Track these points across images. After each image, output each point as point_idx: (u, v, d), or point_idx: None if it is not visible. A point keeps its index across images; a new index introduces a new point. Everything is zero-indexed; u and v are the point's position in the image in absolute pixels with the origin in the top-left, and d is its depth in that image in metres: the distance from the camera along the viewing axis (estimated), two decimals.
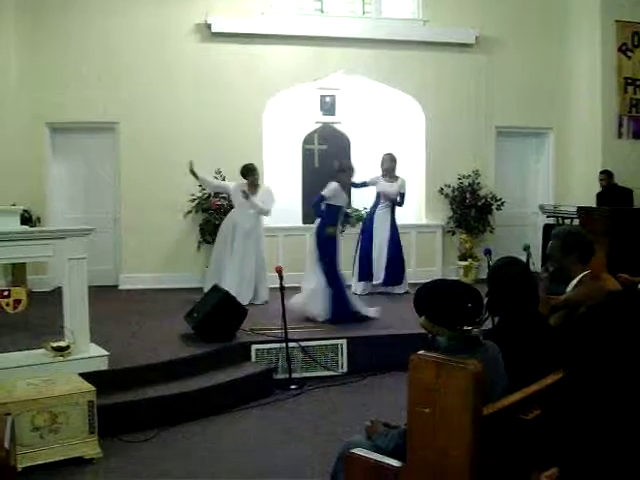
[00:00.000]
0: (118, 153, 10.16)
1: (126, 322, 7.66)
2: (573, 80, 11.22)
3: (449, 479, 2.75)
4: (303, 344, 6.96)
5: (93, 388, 4.99)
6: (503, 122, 11.11)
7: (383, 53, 10.60)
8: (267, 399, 6.31)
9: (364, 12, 11.08)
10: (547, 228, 9.80)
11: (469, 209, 10.69)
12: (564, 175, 11.41)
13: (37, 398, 4.78)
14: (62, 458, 4.81)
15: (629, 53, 10.73)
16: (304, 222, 10.18)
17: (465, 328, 3.07)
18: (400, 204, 9.65)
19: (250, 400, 6.20)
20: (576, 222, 9.33)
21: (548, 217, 10.71)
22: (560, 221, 10.18)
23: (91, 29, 9.85)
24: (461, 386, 2.72)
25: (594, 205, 10.05)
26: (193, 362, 6.29)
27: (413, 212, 10.89)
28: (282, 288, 6.93)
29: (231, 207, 9.19)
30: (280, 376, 6.73)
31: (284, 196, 9.65)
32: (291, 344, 6.82)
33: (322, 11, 10.92)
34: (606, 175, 10.26)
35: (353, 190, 10.15)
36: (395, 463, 3.03)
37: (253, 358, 6.82)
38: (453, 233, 10.88)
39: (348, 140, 11.05)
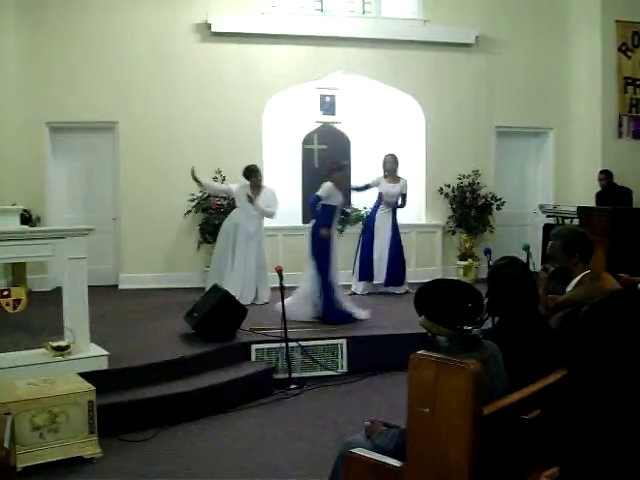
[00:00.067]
0: (118, 153, 10.15)
1: (126, 322, 7.67)
2: (573, 80, 11.22)
3: (449, 479, 2.75)
4: (303, 344, 6.96)
5: (93, 388, 4.99)
6: (503, 122, 11.12)
7: (383, 53, 10.60)
8: (267, 399, 6.31)
9: (364, 12, 11.07)
10: (547, 228, 9.80)
11: (469, 209, 10.69)
12: (564, 175, 11.42)
13: (37, 398, 4.78)
14: (62, 458, 4.81)
15: (629, 53, 10.74)
16: (304, 222, 10.18)
17: (465, 328, 3.07)
18: (402, 206, 9.66)
19: (250, 400, 6.21)
20: (576, 222, 9.33)
21: (548, 217, 10.71)
22: (560, 221, 10.18)
23: (91, 28, 9.84)
24: (461, 386, 2.72)
25: (594, 205, 10.06)
26: (193, 362, 6.30)
27: (413, 212, 10.89)
28: (282, 288, 6.94)
29: (231, 207, 9.19)
30: (280, 376, 6.73)
31: (284, 196, 9.64)
32: (291, 344, 6.82)
33: (322, 11, 10.91)
34: (605, 175, 10.26)
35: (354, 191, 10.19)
36: (395, 463, 3.03)
37: (253, 358, 6.82)
38: (453, 233, 10.88)
39: (348, 140, 11.05)
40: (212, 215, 9.82)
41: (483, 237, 10.84)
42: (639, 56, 10.78)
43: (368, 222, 9.72)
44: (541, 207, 10.88)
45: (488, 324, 3.95)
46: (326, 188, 7.81)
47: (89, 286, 5.82)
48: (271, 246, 9.52)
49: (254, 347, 6.84)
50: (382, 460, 3.09)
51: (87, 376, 5.24)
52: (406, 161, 10.42)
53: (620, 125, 10.78)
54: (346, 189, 8.48)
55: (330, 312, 7.63)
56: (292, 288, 7.74)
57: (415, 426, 2.89)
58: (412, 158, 10.91)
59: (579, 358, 2.04)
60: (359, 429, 3.63)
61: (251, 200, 8.65)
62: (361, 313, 7.82)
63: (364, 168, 10.91)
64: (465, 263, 10.69)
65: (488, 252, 7.00)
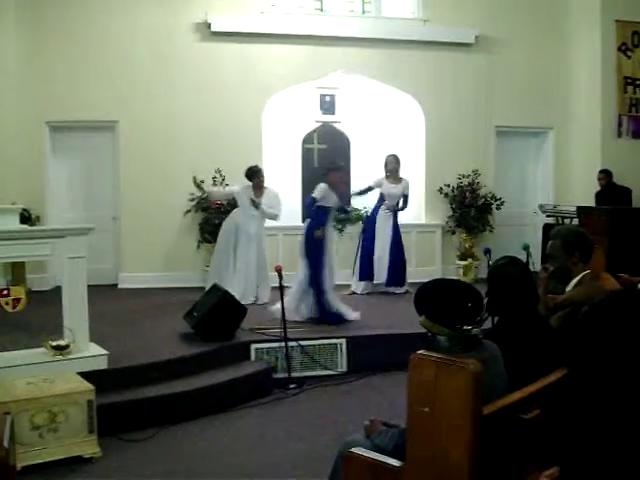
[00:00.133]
0: (118, 152, 10.15)
1: (125, 321, 7.66)
2: (573, 80, 11.22)
3: (449, 478, 2.75)
4: (302, 343, 6.96)
5: (92, 387, 4.99)
6: (503, 122, 11.12)
7: (383, 52, 10.60)
8: (266, 398, 6.31)
9: (364, 11, 11.07)
10: (547, 228, 9.79)
11: (469, 209, 10.69)
12: (563, 175, 11.42)
13: (36, 397, 4.78)
14: (61, 457, 4.80)
15: (629, 53, 10.74)
16: (303, 221, 10.15)
17: (465, 328, 3.07)
18: (402, 208, 9.66)
19: (249, 399, 6.20)
20: (575, 222, 9.33)
21: (548, 217, 10.71)
22: (560, 220, 10.18)
23: (91, 28, 9.84)
24: (461, 386, 2.72)
25: (593, 204, 10.06)
26: (192, 361, 6.29)
27: (413, 212, 10.89)
28: (282, 287, 6.94)
29: (231, 207, 9.18)
30: (279, 375, 6.73)
31: (284, 196, 9.62)
32: (290, 343, 6.82)
33: (322, 10, 10.91)
34: (605, 174, 10.26)
35: (356, 188, 10.17)
36: (394, 462, 3.03)
37: (252, 357, 6.82)
38: (453, 232, 10.88)
39: (347, 139, 11.06)
40: (212, 215, 9.82)
41: (483, 237, 10.83)
42: (639, 56, 10.78)
43: (369, 222, 9.72)
44: (541, 207, 10.88)
45: (488, 324, 3.94)
46: (321, 189, 7.79)
47: (89, 285, 5.82)
48: (271, 246, 9.52)
49: (254, 347, 6.84)
50: (382, 460, 3.09)
51: (87, 375, 5.24)
52: (406, 161, 10.40)
53: (620, 125, 10.78)
54: (343, 189, 8.44)
55: (323, 312, 7.62)
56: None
57: (415, 426, 2.89)
58: (412, 158, 10.91)
59: (579, 358, 2.04)
60: (359, 429, 3.63)
61: (255, 204, 8.65)
62: (351, 314, 7.80)
63: (364, 168, 10.92)
64: (465, 263, 10.69)
65: (488, 252, 7.00)
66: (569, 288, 4.04)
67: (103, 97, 9.88)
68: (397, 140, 11.01)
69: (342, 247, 9.97)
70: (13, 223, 5.89)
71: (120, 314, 8.03)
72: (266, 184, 8.99)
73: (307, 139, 10.92)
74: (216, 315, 6.81)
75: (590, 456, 1.93)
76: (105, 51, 9.90)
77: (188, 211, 10.04)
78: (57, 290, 6.14)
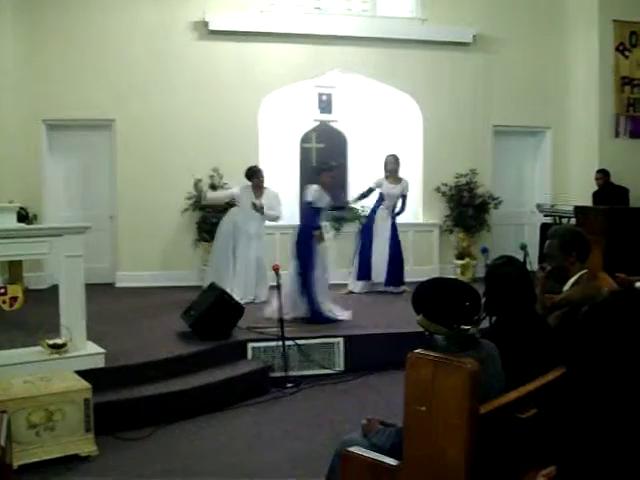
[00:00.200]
0: (115, 150, 10.14)
1: (122, 320, 7.66)
2: (570, 79, 11.23)
3: (445, 477, 2.75)
4: (299, 342, 6.96)
5: (89, 386, 4.99)
6: (500, 121, 11.12)
7: (380, 52, 10.60)
8: (263, 397, 6.31)
9: (362, 10, 11.05)
10: (544, 227, 9.82)
11: (466, 208, 10.69)
12: (561, 174, 11.42)
13: (33, 396, 4.77)
14: (58, 456, 4.80)
15: (626, 52, 10.74)
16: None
17: (463, 327, 3.07)
18: (400, 212, 9.66)
19: (246, 398, 6.20)
20: (573, 221, 9.34)
21: (545, 216, 10.72)
22: (557, 220, 10.20)
23: (89, 26, 9.83)
24: (458, 385, 2.72)
25: (591, 204, 10.07)
26: (190, 360, 6.29)
27: (410, 211, 10.87)
28: (279, 286, 6.94)
29: (229, 205, 9.17)
30: (276, 374, 6.73)
31: (281, 195, 9.62)
32: (287, 342, 6.82)
33: (320, 9, 10.90)
34: (602, 174, 10.26)
35: (354, 190, 10.16)
36: (392, 461, 3.02)
37: (249, 356, 6.82)
38: (450, 232, 10.88)
39: (345, 138, 11.06)
40: (209, 213, 9.81)
41: (480, 236, 10.83)
42: (636, 56, 10.79)
43: (367, 222, 9.70)
44: (538, 206, 10.89)
45: (485, 323, 3.94)
46: (314, 192, 7.76)
47: (86, 284, 5.82)
48: (268, 245, 9.50)
49: (251, 345, 6.84)
50: (379, 459, 3.09)
51: (84, 374, 5.23)
52: (403, 160, 10.39)
53: (617, 124, 10.78)
54: (335, 189, 8.40)
55: (313, 312, 7.59)
56: None
57: (412, 425, 2.89)
58: (409, 157, 10.90)
59: (580, 357, 2.04)
60: (356, 428, 3.63)
61: (257, 209, 8.64)
62: (343, 314, 7.77)
63: (361, 167, 10.93)
64: (462, 262, 10.69)
65: (485, 251, 7.01)
66: (566, 288, 4.04)
67: (100, 95, 9.87)
68: (395, 139, 11.02)
69: (340, 247, 9.96)
70: (10, 221, 5.87)
71: (117, 313, 8.02)
72: (265, 184, 8.98)
73: (305, 138, 10.92)
74: (213, 314, 6.81)
75: (587, 455, 1.93)
76: (102, 49, 9.89)
77: (185, 210, 10.03)
78: (54, 289, 6.14)
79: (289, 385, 6.60)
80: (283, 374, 6.71)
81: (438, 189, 10.83)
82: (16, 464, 4.52)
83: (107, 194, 10.31)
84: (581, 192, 10.60)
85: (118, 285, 10.06)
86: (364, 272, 9.49)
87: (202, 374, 6.18)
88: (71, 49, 9.79)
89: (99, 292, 8.71)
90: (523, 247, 7.08)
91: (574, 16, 11.09)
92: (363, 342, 7.16)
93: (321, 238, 7.75)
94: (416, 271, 9.76)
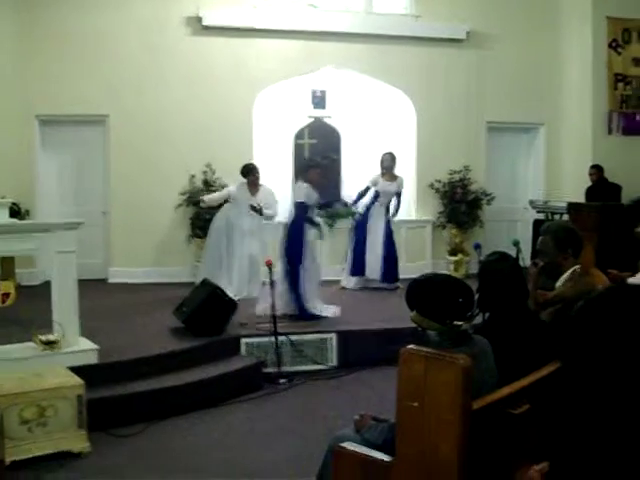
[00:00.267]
0: (108, 146, 10.11)
1: (115, 316, 7.65)
2: (564, 76, 11.24)
3: (438, 473, 2.75)
4: (292, 338, 6.96)
5: (82, 382, 4.98)
6: (494, 117, 11.13)
7: (374, 48, 10.59)
8: (256, 393, 6.31)
9: (355, 7, 11.03)
10: (537, 223, 9.83)
11: (459, 204, 10.70)
12: (554, 171, 11.44)
13: (26, 391, 4.76)
14: (50, 452, 4.79)
15: (619, 49, 10.76)
16: None
17: (456, 323, 3.07)
18: (395, 212, 9.66)
19: (239, 394, 6.20)
20: (566, 217, 9.36)
21: (538, 212, 10.74)
22: (550, 216, 10.22)
23: (82, 21, 9.78)
24: (450, 380, 2.72)
25: (584, 200, 10.09)
26: (183, 356, 6.29)
27: (403, 207, 10.88)
28: (272, 281, 6.94)
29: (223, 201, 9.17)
30: (269, 370, 6.73)
31: (275, 191, 9.61)
32: (280, 338, 6.82)
33: (314, 5, 10.88)
34: (596, 170, 10.28)
35: (348, 186, 10.15)
36: (384, 457, 3.03)
37: (243, 352, 6.82)
38: (443, 228, 10.89)
39: (338, 135, 11.05)
40: (203, 209, 9.78)
41: (473, 232, 10.84)
42: (630, 53, 10.80)
43: (362, 218, 9.68)
44: (531, 203, 10.91)
45: (478, 319, 3.95)
46: (304, 191, 7.72)
47: (78, 280, 5.80)
48: (260, 240, 9.47)
49: (244, 341, 6.84)
50: (371, 454, 3.09)
51: (76, 370, 5.23)
52: (397, 156, 10.41)
53: (610, 121, 10.80)
54: (323, 186, 8.32)
55: (300, 309, 7.56)
56: None
57: (404, 420, 2.89)
58: (403, 153, 10.90)
59: (574, 353, 2.04)
60: (348, 423, 3.63)
61: (255, 209, 8.63)
62: (330, 310, 7.73)
63: (355, 163, 10.92)
64: (455, 258, 10.71)
65: (478, 247, 7.01)
66: (559, 283, 4.05)
67: (93, 91, 9.83)
68: (388, 135, 11.01)
69: (333, 243, 9.95)
70: (2, 217, 5.86)
71: (110, 309, 8.01)
72: (260, 181, 8.95)
73: (298, 134, 10.91)
74: (206, 310, 6.81)
75: (580, 451, 1.93)
76: (96, 44, 9.84)
77: (179, 205, 10.01)
78: (46, 285, 6.12)
79: (282, 381, 6.60)
80: (276, 370, 6.71)
81: (431, 185, 10.83)
82: (8, 460, 4.52)
83: (100, 190, 10.28)
84: (574, 189, 10.62)
85: (111, 281, 10.04)
86: (357, 268, 9.48)
87: (195, 370, 6.18)
88: (64, 44, 9.74)
89: (92, 288, 8.66)
90: (516, 243, 7.08)
91: (567, 13, 11.10)
92: (356, 338, 7.17)
93: (319, 227, 7.78)
94: (409, 267, 9.77)
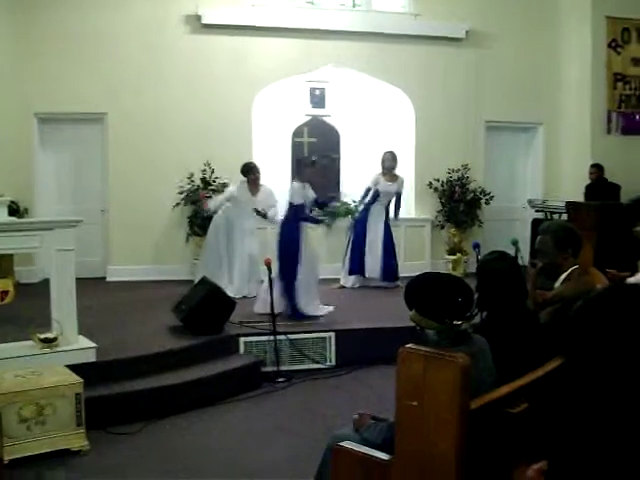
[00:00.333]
0: (106, 144, 10.10)
1: (114, 314, 7.64)
2: (563, 75, 11.24)
3: (437, 472, 2.76)
4: (291, 337, 6.96)
5: (80, 380, 4.98)
6: (493, 117, 11.12)
7: (373, 46, 10.59)
8: (255, 392, 6.32)
9: (354, 5, 11.04)
10: (535, 223, 9.83)
11: (458, 203, 10.70)
12: (553, 170, 11.44)
13: (24, 390, 4.76)
14: (49, 450, 4.80)
15: (619, 49, 10.76)
16: None
17: (455, 322, 3.07)
18: (397, 213, 9.66)
19: (238, 393, 6.21)
20: (564, 217, 9.37)
21: (537, 212, 10.75)
22: (548, 216, 10.23)
23: (81, 20, 9.76)
24: (449, 379, 2.72)
25: (582, 199, 10.09)
26: (181, 354, 6.29)
27: (402, 206, 10.89)
28: (271, 280, 6.94)
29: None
30: (268, 369, 6.74)
31: (273, 189, 9.62)
32: (279, 337, 6.82)
33: (313, 3, 10.89)
34: (596, 169, 10.28)
35: (346, 185, 10.13)
36: (383, 456, 3.03)
37: (241, 351, 6.82)
38: (442, 227, 10.89)
39: (337, 133, 11.05)
40: (201, 207, 9.78)
41: (472, 231, 10.85)
42: (629, 52, 10.81)
43: (361, 217, 9.67)
44: (530, 202, 10.91)
45: (476, 318, 3.95)
46: (297, 191, 7.68)
47: (77, 278, 5.81)
48: (260, 239, 9.48)
49: (242, 340, 6.84)
50: (370, 453, 3.09)
51: (75, 368, 5.22)
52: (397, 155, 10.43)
53: (609, 121, 10.81)
54: (321, 184, 8.30)
55: (292, 308, 7.54)
56: None
57: (403, 419, 2.89)
58: (402, 152, 10.89)
59: (573, 352, 2.04)
60: (347, 422, 3.64)
61: (260, 214, 8.62)
62: (322, 309, 7.68)
63: (353, 161, 10.92)
64: (454, 257, 10.71)
65: (477, 246, 7.01)
66: (558, 283, 4.05)
67: (92, 89, 9.82)
68: (387, 134, 11.01)
69: (331, 241, 9.96)
70: (1, 215, 5.86)
71: (108, 307, 8.00)
72: (261, 181, 8.93)
73: (297, 133, 10.91)
74: (204, 308, 6.80)
75: (578, 450, 1.94)
76: (94, 42, 9.82)
77: (177, 204, 10.00)
78: (45, 283, 6.12)
79: (281, 380, 6.60)
80: (275, 369, 6.71)
81: (430, 184, 10.83)
82: (7, 458, 4.52)
83: (99, 188, 10.27)
84: (573, 188, 10.62)
85: (109, 279, 10.03)
86: (356, 267, 9.47)
87: (194, 368, 6.18)
88: (63, 42, 9.72)
89: (90, 286, 8.67)
90: (514, 243, 7.08)
91: (567, 12, 11.10)
92: (355, 337, 7.17)
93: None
94: (408, 266, 9.76)
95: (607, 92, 10.77)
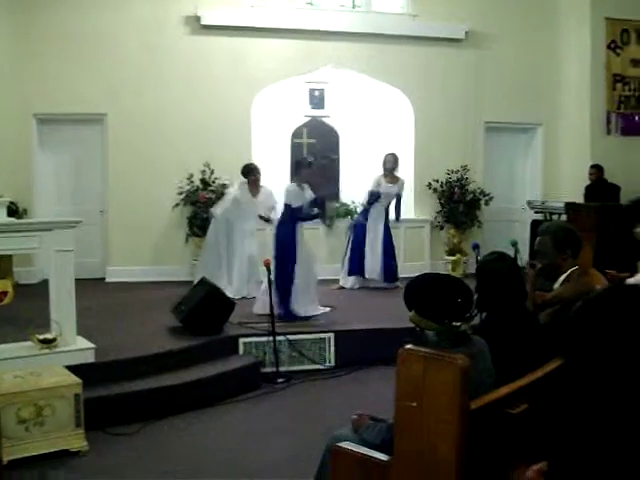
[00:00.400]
0: (106, 145, 10.10)
1: (113, 315, 7.64)
2: (562, 76, 11.25)
3: (436, 473, 2.75)
4: (290, 337, 6.96)
5: (79, 381, 4.98)
6: (492, 117, 11.13)
7: (372, 47, 10.58)
8: (254, 392, 6.31)
9: (354, 6, 11.05)
10: (535, 224, 9.83)
11: (457, 204, 10.70)
12: (552, 171, 11.44)
13: (23, 391, 4.76)
14: (48, 451, 4.79)
15: (618, 50, 10.76)
16: None
17: (454, 323, 3.07)
18: (398, 215, 9.65)
19: (237, 393, 6.20)
20: (564, 218, 9.36)
21: (536, 213, 10.74)
22: (548, 217, 10.22)
23: (81, 20, 9.76)
24: (449, 380, 2.72)
25: (582, 200, 10.09)
26: (180, 355, 6.29)
27: (402, 207, 10.88)
28: (270, 282, 6.93)
29: (219, 200, 9.15)
30: (267, 369, 6.73)
31: (273, 190, 9.61)
32: (279, 337, 6.82)
33: (312, 4, 10.89)
34: (596, 169, 10.28)
35: (345, 184, 10.12)
36: (382, 457, 3.03)
37: (241, 351, 6.82)
38: (441, 228, 10.89)
39: (337, 134, 11.05)
40: (200, 208, 9.78)
41: (471, 232, 10.85)
42: (628, 53, 10.81)
43: (361, 218, 9.66)
44: (529, 203, 10.91)
45: (476, 319, 3.95)
46: (293, 192, 7.64)
47: (76, 279, 5.81)
48: (259, 240, 9.48)
49: (242, 340, 6.83)
50: (369, 454, 3.09)
51: (74, 369, 5.22)
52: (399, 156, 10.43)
53: (609, 122, 10.81)
54: (320, 185, 8.28)
55: (285, 308, 7.52)
56: None
57: (402, 420, 2.89)
58: (401, 153, 10.88)
59: (573, 353, 2.04)
60: (346, 423, 3.63)
61: (264, 219, 8.62)
62: (317, 310, 7.66)
63: (353, 162, 10.92)
64: (453, 258, 10.71)
65: (476, 247, 7.01)
66: (557, 284, 4.05)
67: (92, 90, 9.82)
68: (386, 135, 11.01)
69: (331, 242, 9.95)
70: (0, 216, 5.85)
71: (108, 308, 8.00)
72: (261, 182, 8.91)
73: (296, 133, 10.91)
74: (204, 309, 6.80)
75: (578, 450, 1.93)
76: (94, 43, 9.82)
77: (177, 205, 10.00)
78: (44, 283, 6.12)
79: (280, 380, 6.60)
80: (274, 369, 6.71)
81: (429, 185, 10.83)
82: (6, 459, 4.52)
83: (98, 189, 10.27)
84: (572, 189, 10.62)
85: (108, 280, 10.03)
86: (356, 267, 9.46)
87: (193, 369, 6.18)
88: (63, 43, 9.72)
89: (89, 287, 8.66)
90: (514, 243, 7.08)
91: (566, 13, 11.10)
92: (354, 337, 7.16)
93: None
94: (407, 267, 9.76)
95: (606, 93, 10.77)
